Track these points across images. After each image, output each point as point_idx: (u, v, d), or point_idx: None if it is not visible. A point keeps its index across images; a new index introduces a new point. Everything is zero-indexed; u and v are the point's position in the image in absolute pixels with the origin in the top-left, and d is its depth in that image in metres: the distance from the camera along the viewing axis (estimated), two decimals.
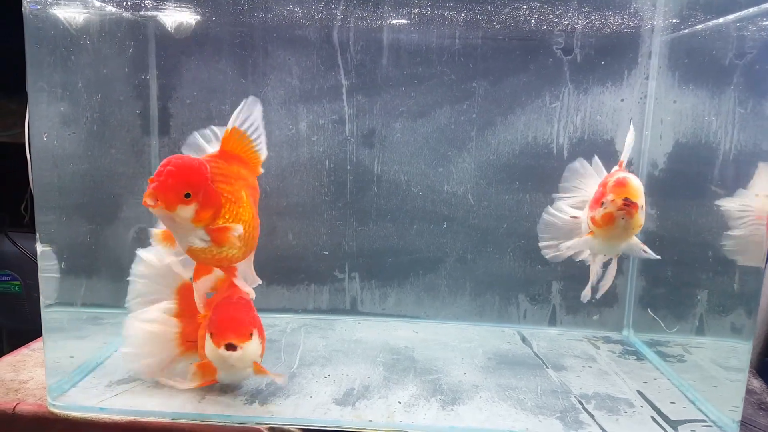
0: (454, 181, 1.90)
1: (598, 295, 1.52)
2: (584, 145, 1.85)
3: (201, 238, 1.24)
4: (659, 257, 1.40)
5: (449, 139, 1.89)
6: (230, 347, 1.23)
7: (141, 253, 1.44)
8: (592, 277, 1.51)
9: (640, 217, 1.30)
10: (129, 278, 1.44)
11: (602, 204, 1.32)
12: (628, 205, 1.27)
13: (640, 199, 1.29)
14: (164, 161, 1.21)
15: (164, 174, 1.18)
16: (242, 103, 1.31)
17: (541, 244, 1.53)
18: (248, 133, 1.32)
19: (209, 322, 1.29)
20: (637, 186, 1.30)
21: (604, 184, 1.36)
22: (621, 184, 1.30)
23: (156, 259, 1.43)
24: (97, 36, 1.58)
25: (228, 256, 1.29)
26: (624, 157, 1.46)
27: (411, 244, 1.94)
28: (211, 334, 1.26)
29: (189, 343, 1.41)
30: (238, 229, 1.25)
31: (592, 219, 1.35)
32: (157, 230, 1.39)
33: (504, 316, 1.96)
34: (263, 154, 1.36)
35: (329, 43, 1.82)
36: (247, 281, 1.41)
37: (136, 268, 1.44)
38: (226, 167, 1.29)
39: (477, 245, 1.93)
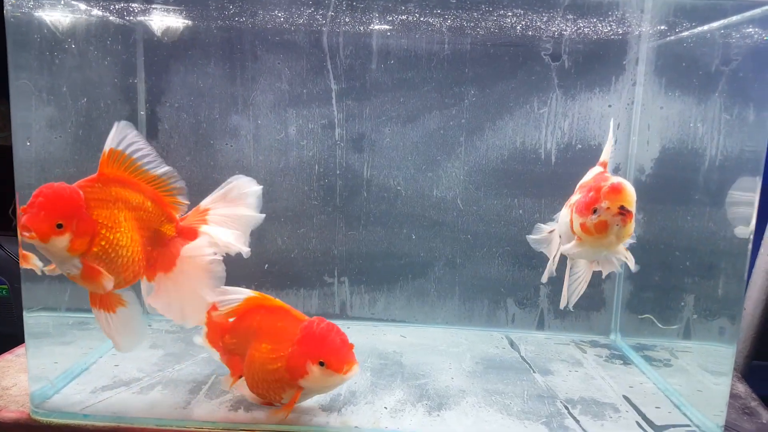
0: (443, 185, 1.91)
1: (571, 303, 1.46)
2: (572, 150, 1.86)
3: (76, 266, 1.22)
4: (637, 267, 1.35)
5: (438, 144, 1.90)
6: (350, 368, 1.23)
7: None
8: (566, 283, 1.47)
9: (632, 226, 1.24)
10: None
11: (595, 211, 1.23)
12: (624, 213, 1.20)
13: (634, 206, 1.22)
14: (36, 191, 1.18)
15: (36, 205, 1.16)
16: (114, 126, 1.27)
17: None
18: (128, 152, 1.28)
19: (311, 351, 1.22)
20: (631, 192, 1.23)
21: (596, 189, 1.25)
22: (616, 190, 1.21)
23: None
24: (84, 40, 1.58)
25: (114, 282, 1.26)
26: (606, 156, 1.41)
27: (400, 249, 1.95)
28: (326, 363, 1.21)
29: (223, 358, 1.38)
30: (109, 280, 1.23)
31: (583, 226, 1.26)
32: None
33: (492, 320, 1.97)
34: (159, 170, 1.32)
35: (318, 48, 1.82)
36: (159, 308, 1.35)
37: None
38: (103, 190, 1.26)
39: (466, 250, 1.94)
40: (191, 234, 1.36)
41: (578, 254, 1.38)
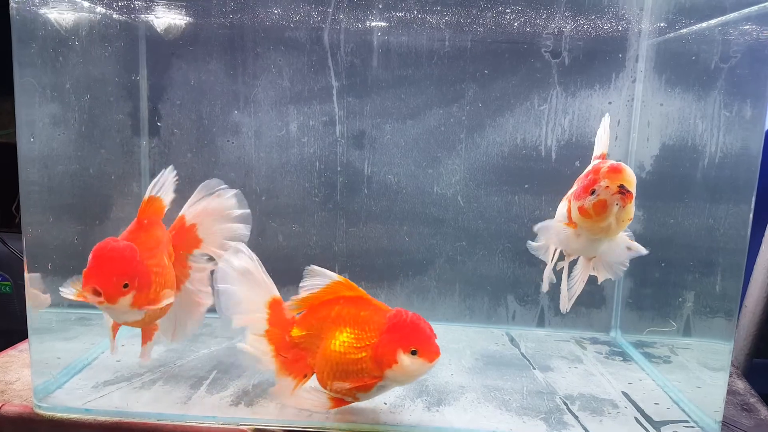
0: (444, 182, 1.91)
1: (569, 305, 1.42)
2: (572, 147, 1.86)
3: (135, 316, 1.32)
4: (647, 251, 1.29)
5: (439, 141, 1.90)
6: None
7: (236, 259, 1.29)
8: (564, 285, 1.42)
9: (632, 210, 1.19)
10: (219, 286, 1.28)
11: (593, 192, 1.18)
12: (624, 192, 1.15)
13: (634, 188, 1.17)
14: (97, 252, 1.24)
15: (102, 269, 1.22)
16: (160, 174, 1.40)
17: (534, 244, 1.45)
18: (161, 196, 1.40)
19: (402, 339, 1.20)
20: (631, 174, 1.18)
21: (595, 170, 1.21)
22: (616, 170, 1.17)
23: (254, 264, 1.30)
24: (87, 37, 1.59)
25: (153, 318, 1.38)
26: (604, 148, 1.38)
27: (401, 246, 1.95)
28: (419, 351, 1.19)
29: (282, 359, 1.30)
30: (169, 297, 1.33)
31: (581, 210, 1.21)
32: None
33: (493, 317, 1.98)
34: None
35: (320, 45, 1.83)
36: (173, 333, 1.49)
37: (231, 274, 1.28)
38: (148, 239, 1.34)
39: (466, 246, 1.94)
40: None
41: (576, 248, 1.33)
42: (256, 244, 1.93)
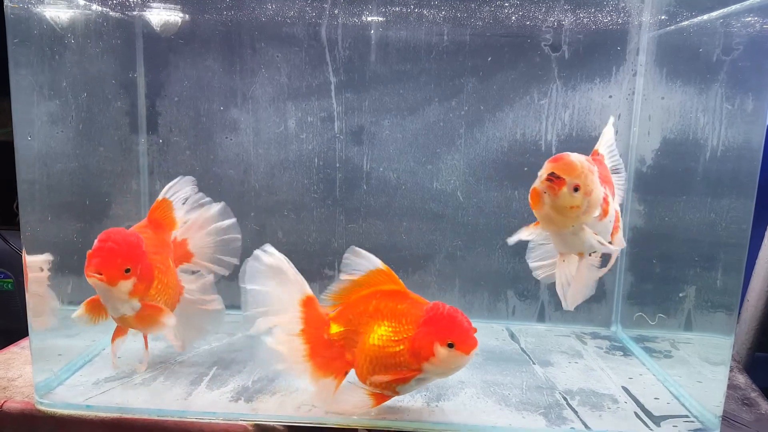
0: (443, 178, 1.90)
1: (570, 304, 1.34)
2: (572, 141, 1.85)
3: (133, 307, 1.34)
4: (617, 248, 1.25)
5: (438, 136, 1.89)
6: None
7: (266, 256, 1.26)
8: (558, 281, 1.34)
9: (571, 198, 1.12)
10: (248, 285, 1.26)
11: None
12: (551, 180, 1.11)
13: (574, 177, 1.11)
14: (103, 236, 1.29)
15: (106, 251, 1.26)
16: (177, 180, 1.48)
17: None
18: (174, 202, 1.47)
19: (439, 332, 1.19)
20: (571, 162, 1.12)
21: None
22: (554, 159, 1.14)
23: (285, 262, 1.27)
24: (83, 34, 1.58)
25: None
26: (599, 146, 1.34)
27: (400, 241, 1.95)
28: (455, 344, 1.19)
29: (318, 361, 1.28)
30: (170, 318, 1.37)
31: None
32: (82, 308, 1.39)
33: (493, 312, 1.97)
34: (179, 221, 1.49)
35: (317, 41, 1.82)
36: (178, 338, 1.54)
37: (262, 272, 1.26)
38: (155, 237, 1.40)
39: (466, 242, 1.94)
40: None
41: (555, 244, 1.30)
42: (255, 240, 1.95)
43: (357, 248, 1.25)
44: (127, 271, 1.28)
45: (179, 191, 1.48)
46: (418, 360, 1.21)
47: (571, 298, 1.32)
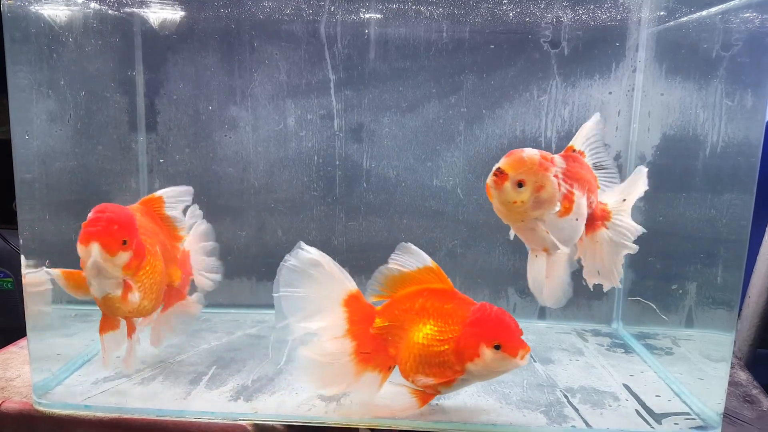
0: (443, 175, 1.90)
1: (548, 301, 1.30)
2: (572, 137, 1.84)
3: (119, 285, 1.29)
4: (566, 250, 1.23)
5: (438, 134, 1.89)
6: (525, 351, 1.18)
7: (306, 254, 1.23)
8: (529, 276, 1.31)
9: (515, 194, 1.13)
10: (285, 289, 1.23)
11: None
12: (496, 174, 1.13)
13: (519, 173, 1.12)
14: (99, 208, 1.24)
15: (104, 220, 1.22)
16: (182, 188, 1.49)
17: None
18: (168, 203, 1.46)
19: (486, 333, 1.17)
20: (519, 158, 1.13)
21: None
22: (506, 154, 1.15)
23: (324, 260, 1.24)
24: (81, 33, 1.58)
25: (140, 307, 1.34)
26: (574, 143, 1.30)
27: (400, 239, 1.93)
28: (502, 346, 1.16)
29: (364, 356, 1.26)
30: (135, 296, 1.32)
31: None
32: (58, 271, 1.31)
33: None
34: (179, 222, 1.49)
35: (316, 38, 1.82)
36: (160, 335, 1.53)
37: (302, 271, 1.22)
38: (146, 221, 1.39)
39: (466, 239, 1.93)
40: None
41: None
42: (255, 239, 1.95)
43: (408, 244, 1.25)
44: (125, 243, 1.23)
45: (181, 198, 1.48)
46: (461, 360, 1.19)
47: (547, 295, 1.30)
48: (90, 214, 1.24)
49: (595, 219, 1.30)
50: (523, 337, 1.19)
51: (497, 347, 1.16)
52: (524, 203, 1.13)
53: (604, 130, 1.35)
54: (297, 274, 1.22)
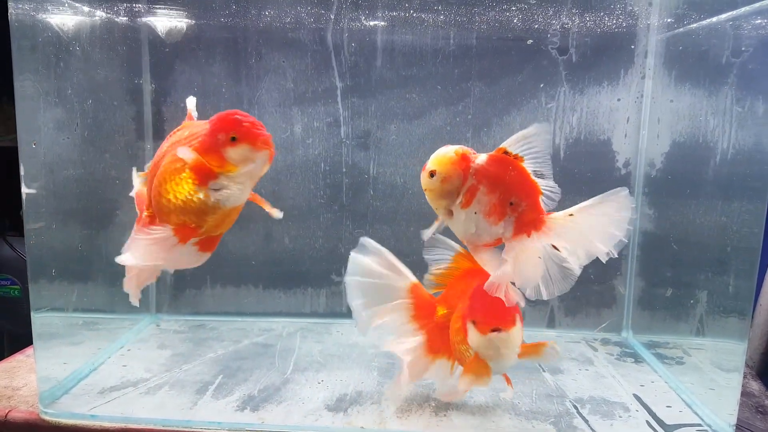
0: None
1: (531, 292, 1.25)
2: (581, 145, 1.83)
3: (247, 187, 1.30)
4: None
5: (445, 141, 1.84)
6: (496, 330, 1.19)
7: (368, 248, 1.30)
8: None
9: (427, 181, 1.23)
10: (352, 278, 1.28)
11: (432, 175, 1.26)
12: (423, 166, 1.24)
13: (432, 164, 1.22)
14: (237, 113, 1.18)
15: (253, 122, 1.18)
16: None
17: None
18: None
19: (469, 310, 1.22)
20: (438, 153, 1.23)
21: None
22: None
23: (386, 251, 1.30)
24: (89, 41, 1.58)
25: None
26: (506, 145, 1.24)
27: (407, 247, 1.92)
28: (475, 322, 1.19)
29: (436, 344, 1.31)
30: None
31: None
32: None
33: None
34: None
35: (323, 46, 1.82)
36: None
37: (365, 263, 1.29)
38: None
39: None
40: None
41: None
42: (263, 246, 1.94)
43: (438, 236, 1.31)
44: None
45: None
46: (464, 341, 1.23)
47: (522, 286, 1.25)
48: (233, 118, 1.17)
49: (523, 224, 1.27)
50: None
51: (474, 323, 1.20)
52: (433, 192, 1.24)
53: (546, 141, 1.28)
54: (364, 263, 1.29)
